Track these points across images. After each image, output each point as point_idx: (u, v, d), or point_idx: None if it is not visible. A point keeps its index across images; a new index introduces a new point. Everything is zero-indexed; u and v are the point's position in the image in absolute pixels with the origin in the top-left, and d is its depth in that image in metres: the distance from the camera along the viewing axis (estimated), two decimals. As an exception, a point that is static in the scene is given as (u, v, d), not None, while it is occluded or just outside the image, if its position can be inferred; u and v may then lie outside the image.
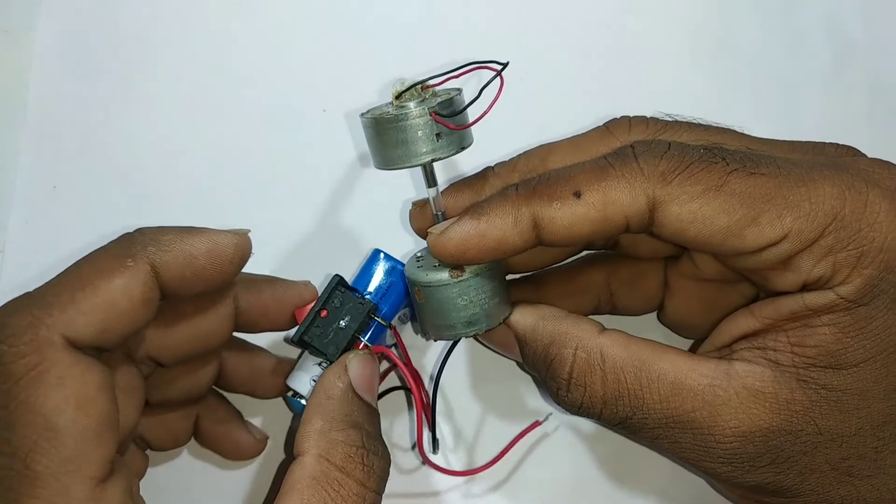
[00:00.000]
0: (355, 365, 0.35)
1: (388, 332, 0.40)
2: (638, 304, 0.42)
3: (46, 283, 0.29)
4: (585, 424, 0.44)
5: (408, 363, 0.39)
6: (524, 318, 0.36)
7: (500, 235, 0.33)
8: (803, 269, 0.31)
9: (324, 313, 0.38)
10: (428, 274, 0.35)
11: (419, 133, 0.33)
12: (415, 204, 0.39)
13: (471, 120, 0.35)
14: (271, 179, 0.46)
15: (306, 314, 0.37)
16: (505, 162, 0.38)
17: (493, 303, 0.35)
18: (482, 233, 0.33)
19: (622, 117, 0.37)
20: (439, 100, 0.34)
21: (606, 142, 0.36)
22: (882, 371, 0.31)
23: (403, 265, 0.40)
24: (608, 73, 0.48)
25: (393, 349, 0.40)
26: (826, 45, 0.49)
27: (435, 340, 0.38)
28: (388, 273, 0.41)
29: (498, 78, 0.33)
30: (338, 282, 0.38)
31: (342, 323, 0.38)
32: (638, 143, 0.33)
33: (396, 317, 0.41)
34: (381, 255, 0.41)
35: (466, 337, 0.36)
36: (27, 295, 0.29)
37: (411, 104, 0.33)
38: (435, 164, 0.35)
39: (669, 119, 0.37)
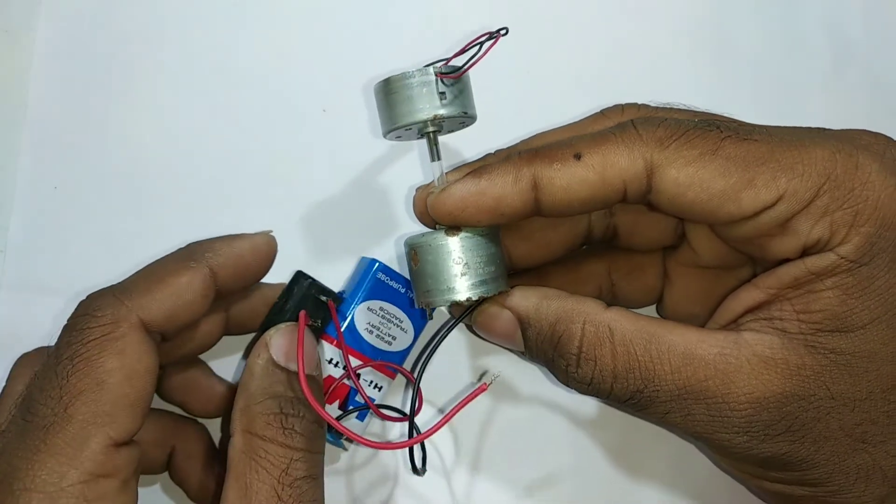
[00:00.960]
0: (276, 338, 0.36)
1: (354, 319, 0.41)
2: (638, 296, 0.42)
3: (126, 278, 0.35)
4: (586, 412, 0.44)
5: (340, 339, 0.40)
6: (526, 298, 0.36)
7: (500, 193, 0.33)
8: (801, 232, 0.32)
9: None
10: (424, 235, 0.36)
11: (423, 90, 0.35)
12: (419, 189, 0.39)
13: (472, 89, 0.36)
14: (271, 179, 0.46)
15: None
16: (504, 148, 0.39)
17: (489, 270, 0.35)
18: (482, 190, 0.33)
19: (615, 105, 0.38)
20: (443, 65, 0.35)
21: (601, 124, 0.37)
22: (888, 332, 0.31)
23: (379, 261, 0.42)
24: (608, 73, 0.48)
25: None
26: (826, 45, 0.49)
27: (428, 310, 0.38)
28: (359, 266, 0.42)
29: (494, 39, 0.35)
30: (298, 274, 0.40)
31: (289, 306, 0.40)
32: (636, 118, 0.34)
33: (366, 307, 0.41)
34: (364, 259, 0.42)
35: (459, 306, 0.36)
36: (111, 286, 0.34)
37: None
38: (440, 144, 0.37)
39: (661, 106, 0.38)
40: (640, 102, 0.38)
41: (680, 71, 0.49)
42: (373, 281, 0.41)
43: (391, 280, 0.42)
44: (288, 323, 0.38)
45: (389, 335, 0.42)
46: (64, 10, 0.47)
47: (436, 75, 0.35)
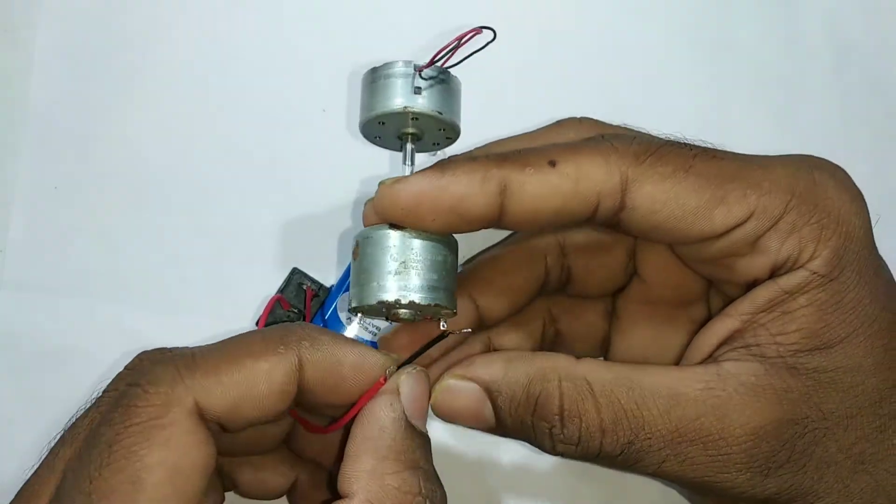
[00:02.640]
0: (408, 386, 0.30)
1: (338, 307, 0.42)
2: (585, 341, 0.40)
3: (201, 347, 0.29)
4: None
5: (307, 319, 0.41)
6: (489, 365, 0.32)
7: (463, 193, 0.30)
8: (771, 250, 0.31)
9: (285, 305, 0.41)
10: (369, 228, 0.33)
11: (399, 82, 0.33)
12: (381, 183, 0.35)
13: (460, 101, 0.34)
14: (271, 179, 0.46)
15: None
16: (464, 152, 0.36)
17: (430, 277, 0.32)
18: (443, 186, 0.30)
19: (571, 117, 0.37)
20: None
21: (559, 135, 0.35)
22: (867, 344, 0.31)
23: None
24: (608, 73, 0.48)
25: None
26: (826, 45, 0.49)
27: (357, 316, 0.34)
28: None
29: (473, 34, 0.33)
30: (292, 270, 0.41)
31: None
32: (606, 133, 0.33)
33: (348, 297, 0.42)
34: None
35: (392, 314, 0.32)
36: (180, 350, 0.29)
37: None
38: (416, 152, 0.35)
39: (616, 125, 0.37)
40: (594, 118, 0.37)
41: (680, 71, 0.49)
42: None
43: None
44: (418, 368, 0.31)
45: (373, 325, 0.42)
46: (64, 10, 0.47)
47: (415, 69, 0.33)
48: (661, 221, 0.31)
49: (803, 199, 0.31)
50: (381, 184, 0.32)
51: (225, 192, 0.46)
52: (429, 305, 0.31)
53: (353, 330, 0.41)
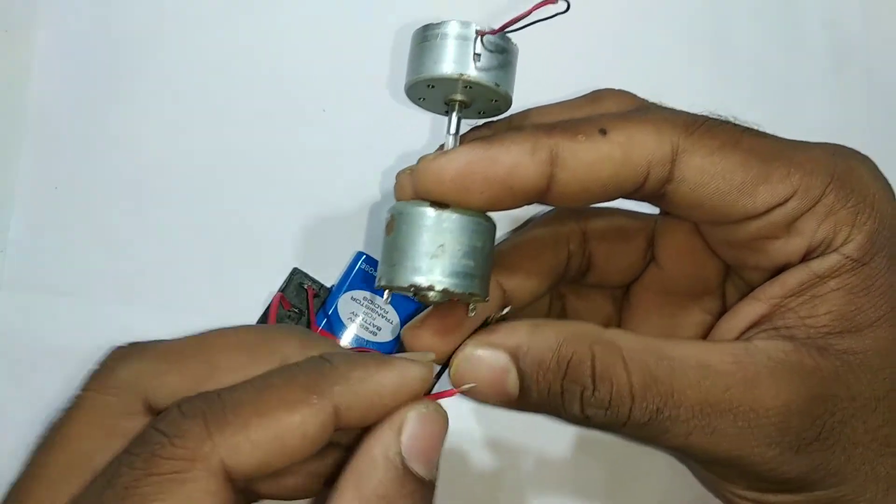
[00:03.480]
0: (412, 425, 0.28)
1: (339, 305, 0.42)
2: (616, 277, 0.39)
3: (234, 390, 0.27)
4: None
5: (311, 322, 0.41)
6: (513, 331, 0.31)
7: (514, 162, 0.29)
8: (807, 232, 0.31)
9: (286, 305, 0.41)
10: (408, 203, 0.30)
11: (457, 44, 0.31)
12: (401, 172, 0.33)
13: (515, 74, 0.33)
14: (271, 179, 0.46)
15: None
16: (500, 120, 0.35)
17: (468, 266, 0.30)
18: (493, 157, 0.29)
19: (609, 88, 0.36)
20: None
21: (600, 105, 0.35)
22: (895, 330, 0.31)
23: (365, 253, 0.42)
24: (607, 73, 0.48)
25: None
26: (826, 45, 0.49)
27: (384, 293, 0.31)
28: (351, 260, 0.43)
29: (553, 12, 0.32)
30: (292, 270, 0.41)
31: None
32: (651, 104, 0.33)
33: (349, 297, 0.42)
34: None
35: (421, 295, 0.30)
36: (214, 396, 0.27)
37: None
38: (462, 121, 0.33)
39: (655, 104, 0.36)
40: (632, 92, 0.36)
41: (680, 71, 0.49)
42: (357, 271, 0.42)
43: (375, 270, 0.42)
44: (434, 406, 0.29)
45: (374, 325, 0.42)
46: (64, 10, 0.47)
47: (476, 33, 0.31)
48: (706, 196, 0.31)
49: (842, 183, 0.31)
50: (421, 159, 0.30)
51: (225, 192, 0.46)
52: (462, 293, 0.30)
53: (352, 330, 0.42)
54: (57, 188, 0.45)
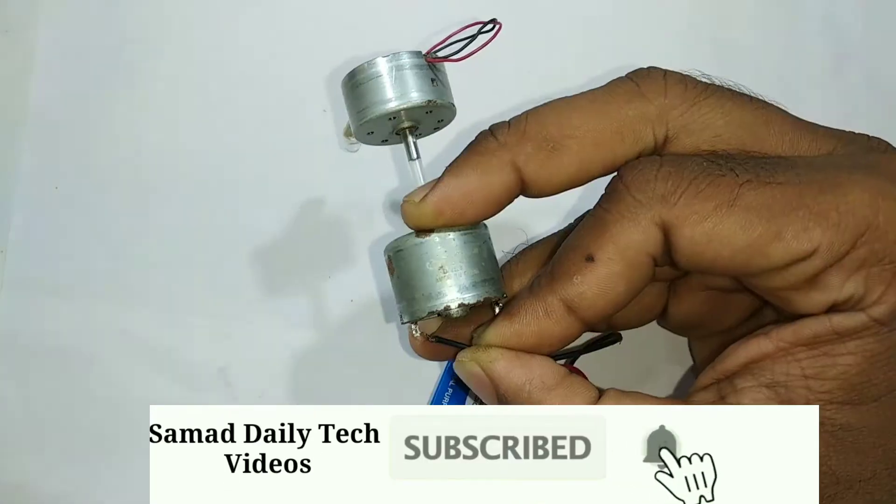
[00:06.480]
0: None
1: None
2: (636, 319, 0.39)
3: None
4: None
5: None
6: (497, 361, 0.31)
7: (538, 330, 0.30)
8: (832, 287, 0.28)
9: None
10: (396, 240, 0.32)
11: (415, 72, 0.32)
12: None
13: (453, 93, 0.34)
14: (271, 179, 0.46)
15: None
16: (510, 124, 0.32)
17: (475, 274, 0.31)
18: (518, 332, 0.31)
19: (653, 71, 0.34)
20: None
21: (636, 105, 0.33)
22: None
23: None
24: (606, 73, 0.48)
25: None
26: (826, 45, 0.49)
27: (406, 324, 0.33)
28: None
29: (495, 31, 0.33)
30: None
31: None
32: (623, 169, 0.31)
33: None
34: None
35: (439, 314, 0.32)
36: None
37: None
38: (418, 137, 0.34)
39: (708, 81, 0.34)
40: (685, 74, 0.34)
41: (679, 71, 0.49)
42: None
43: None
44: None
45: None
46: (64, 10, 0.47)
47: (426, 59, 0.32)
48: (709, 262, 0.29)
49: (880, 234, 0.27)
50: (404, 202, 0.32)
51: (225, 193, 0.46)
52: (478, 302, 0.31)
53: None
54: (57, 188, 0.45)
